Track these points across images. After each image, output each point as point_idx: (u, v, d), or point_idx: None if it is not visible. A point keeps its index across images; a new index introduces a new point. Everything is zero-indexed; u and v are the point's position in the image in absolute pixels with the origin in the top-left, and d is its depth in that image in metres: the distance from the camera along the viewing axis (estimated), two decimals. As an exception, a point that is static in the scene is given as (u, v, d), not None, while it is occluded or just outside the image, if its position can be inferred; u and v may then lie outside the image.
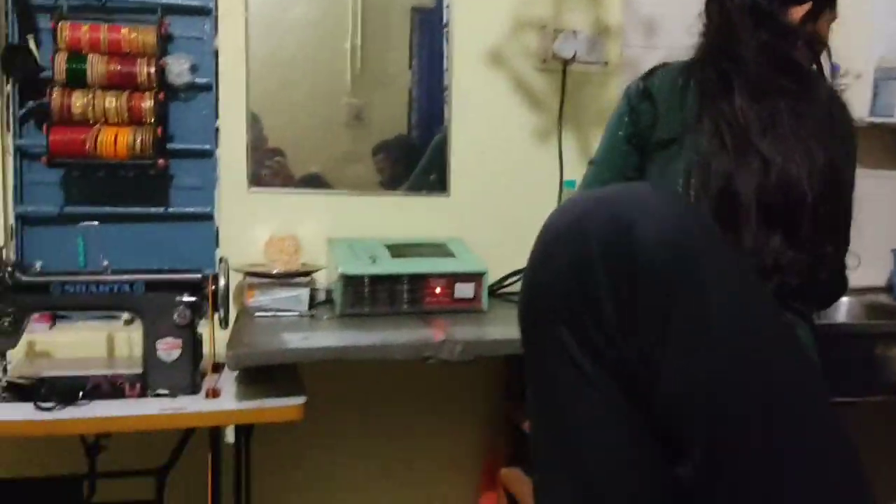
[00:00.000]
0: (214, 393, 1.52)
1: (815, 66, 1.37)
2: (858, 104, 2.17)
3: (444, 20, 2.06)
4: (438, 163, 2.08)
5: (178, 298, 1.53)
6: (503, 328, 1.71)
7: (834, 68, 1.95)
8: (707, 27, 1.36)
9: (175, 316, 1.52)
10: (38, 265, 1.57)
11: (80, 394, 1.45)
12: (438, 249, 1.93)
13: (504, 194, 2.12)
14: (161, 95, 1.83)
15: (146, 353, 1.52)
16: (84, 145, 1.78)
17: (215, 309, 1.53)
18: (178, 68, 1.88)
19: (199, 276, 1.56)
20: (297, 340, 1.59)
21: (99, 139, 1.79)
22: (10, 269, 1.50)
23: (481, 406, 2.17)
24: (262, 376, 1.57)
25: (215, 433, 1.59)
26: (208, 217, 1.97)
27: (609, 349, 0.48)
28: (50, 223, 1.90)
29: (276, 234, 1.94)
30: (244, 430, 1.79)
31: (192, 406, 1.48)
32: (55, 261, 1.75)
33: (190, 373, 1.53)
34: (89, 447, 1.61)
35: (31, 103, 1.85)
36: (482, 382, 2.15)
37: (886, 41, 2.26)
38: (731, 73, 1.28)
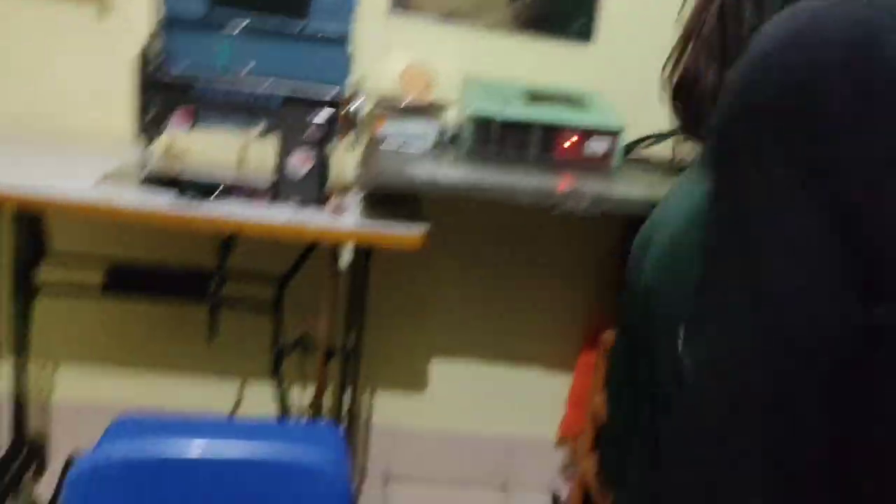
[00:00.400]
0: (339, 211, 1.55)
1: None
2: None
3: None
4: (588, 7, 1.97)
5: (312, 115, 1.54)
6: (632, 188, 1.66)
7: None
8: None
9: (308, 131, 1.54)
10: (181, 66, 1.60)
11: (216, 193, 1.51)
12: (575, 100, 1.86)
13: (655, 49, 1.99)
14: None
15: (278, 165, 1.56)
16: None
17: (346, 131, 1.54)
18: None
19: (334, 96, 1.56)
20: (423, 172, 1.59)
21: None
22: (156, 66, 1.54)
23: (594, 267, 2.15)
24: (385, 203, 1.59)
25: (336, 250, 1.64)
26: (345, 40, 1.94)
27: (830, 174, 0.43)
28: (195, 28, 1.92)
29: (411, 65, 1.91)
30: (363, 254, 1.84)
31: (317, 220, 1.52)
32: (198, 65, 1.78)
33: (317, 188, 1.56)
34: (221, 244, 1.69)
35: None
36: (598, 242, 2.12)
37: None
38: None
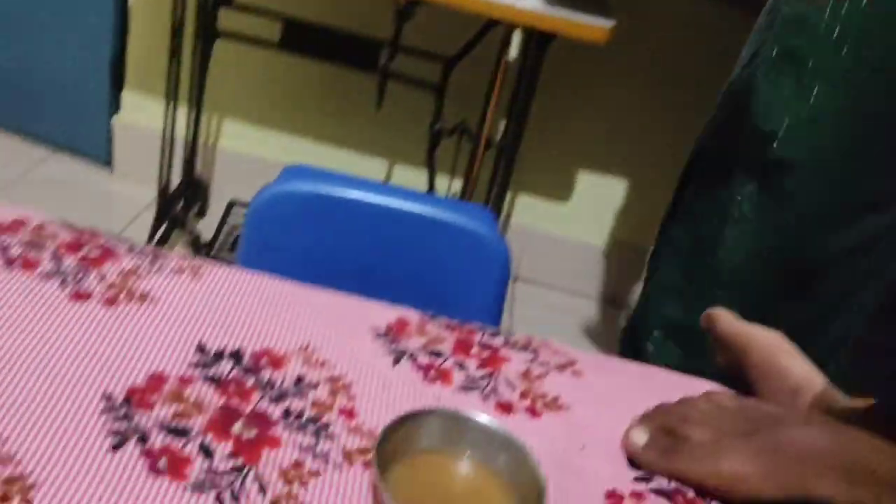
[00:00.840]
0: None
1: None
2: None
3: None
4: None
5: None
6: None
7: None
8: None
9: None
10: None
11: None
12: None
13: None
14: None
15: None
16: None
17: None
18: None
19: None
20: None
21: None
22: None
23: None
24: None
25: (509, 37, 1.58)
26: None
27: None
28: None
29: None
30: (538, 44, 1.76)
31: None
32: None
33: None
34: (397, 13, 1.66)
35: None
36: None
37: None
38: None
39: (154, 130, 2.02)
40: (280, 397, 0.62)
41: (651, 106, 2.07)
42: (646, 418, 0.66)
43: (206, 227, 2.16)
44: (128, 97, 2.25)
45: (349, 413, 0.62)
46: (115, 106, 2.26)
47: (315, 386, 0.64)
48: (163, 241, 2.01)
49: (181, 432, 0.56)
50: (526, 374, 0.72)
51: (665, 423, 0.65)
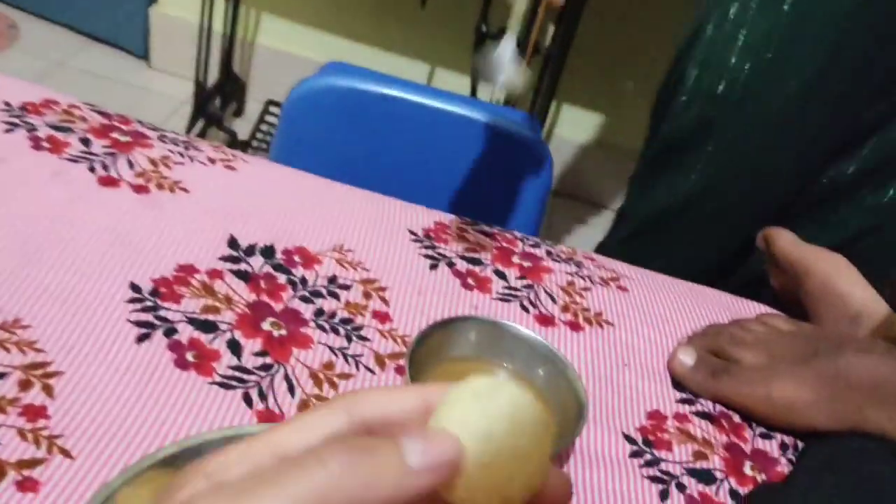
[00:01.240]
0: None
1: None
2: None
3: None
4: None
5: None
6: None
7: None
8: None
9: None
10: None
11: None
12: None
13: None
14: None
15: None
16: None
17: None
18: None
19: None
20: None
21: None
22: None
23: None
24: None
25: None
26: None
27: None
28: None
29: None
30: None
31: None
32: None
33: None
34: None
35: None
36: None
37: None
38: None
39: (192, 23, 1.96)
40: (312, 296, 0.59)
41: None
42: (694, 338, 0.63)
43: (242, 127, 2.12)
44: (165, -13, 2.19)
45: (383, 317, 0.60)
46: (152, -4, 2.21)
47: (348, 287, 0.61)
48: (199, 138, 1.99)
49: (209, 327, 0.54)
50: (569, 287, 0.68)
51: (715, 344, 0.62)
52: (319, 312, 0.58)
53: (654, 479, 0.53)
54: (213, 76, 2.04)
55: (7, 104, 0.69)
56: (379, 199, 0.72)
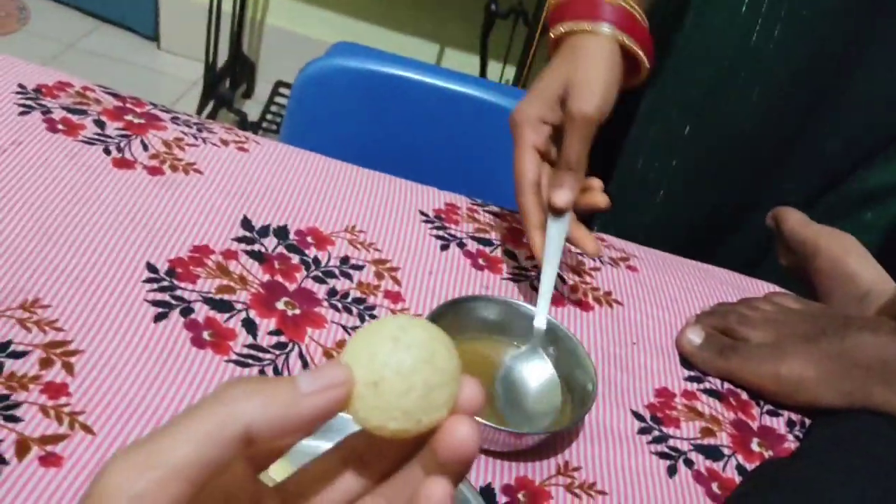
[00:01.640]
0: None
1: None
2: None
3: None
4: None
5: None
6: None
7: None
8: None
9: None
10: None
11: None
12: None
13: None
14: None
15: None
16: None
17: None
18: None
19: None
20: None
21: None
22: None
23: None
24: None
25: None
26: None
27: None
28: None
29: None
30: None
31: None
32: None
33: None
34: None
35: None
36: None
37: None
38: None
39: (201, 4, 1.96)
40: (325, 276, 0.60)
41: None
42: (703, 317, 0.64)
43: (252, 108, 2.12)
44: (174, -31, 2.19)
45: (395, 296, 0.60)
46: (161, -23, 2.20)
47: (361, 267, 0.62)
48: (211, 120, 1.99)
49: (225, 306, 0.55)
50: (578, 267, 0.69)
51: (723, 322, 0.62)
52: (332, 292, 0.59)
53: (662, 454, 0.54)
54: (222, 57, 2.04)
55: (21, 87, 0.70)
56: (389, 181, 0.73)
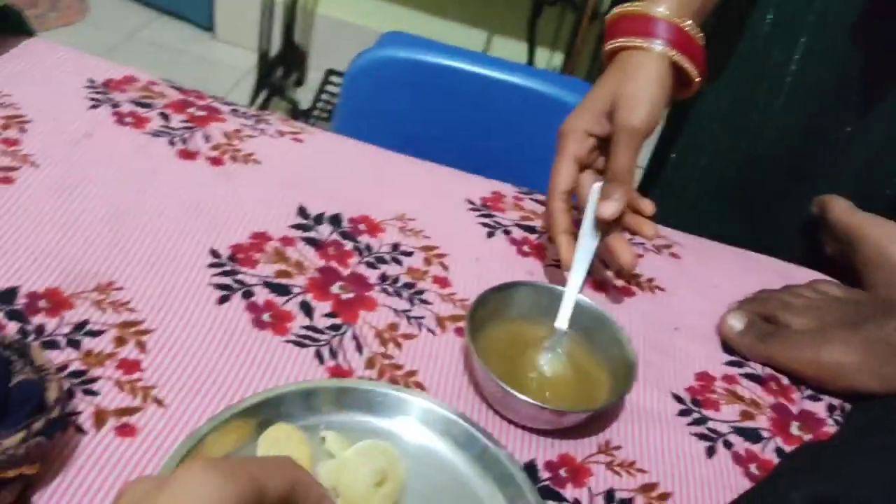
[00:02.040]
0: None
1: None
2: None
3: None
4: None
5: None
6: None
7: None
8: None
9: None
10: None
11: None
12: None
13: None
14: None
15: None
16: None
17: None
18: None
19: None
20: None
21: None
22: None
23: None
24: None
25: None
26: None
27: None
28: None
29: None
30: None
31: None
32: None
33: None
34: None
35: None
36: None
37: None
38: None
39: (254, -5, 2.01)
40: (377, 262, 0.63)
41: None
42: (745, 303, 0.65)
43: (303, 96, 2.17)
44: (228, -40, 2.23)
45: (442, 282, 0.63)
46: (216, -31, 2.25)
47: (410, 254, 0.65)
48: (262, 108, 2.04)
49: (283, 290, 0.58)
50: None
51: (765, 309, 0.63)
52: (383, 277, 0.62)
53: (701, 436, 0.56)
54: (275, 47, 2.09)
55: (91, 81, 0.74)
56: (438, 170, 0.75)
